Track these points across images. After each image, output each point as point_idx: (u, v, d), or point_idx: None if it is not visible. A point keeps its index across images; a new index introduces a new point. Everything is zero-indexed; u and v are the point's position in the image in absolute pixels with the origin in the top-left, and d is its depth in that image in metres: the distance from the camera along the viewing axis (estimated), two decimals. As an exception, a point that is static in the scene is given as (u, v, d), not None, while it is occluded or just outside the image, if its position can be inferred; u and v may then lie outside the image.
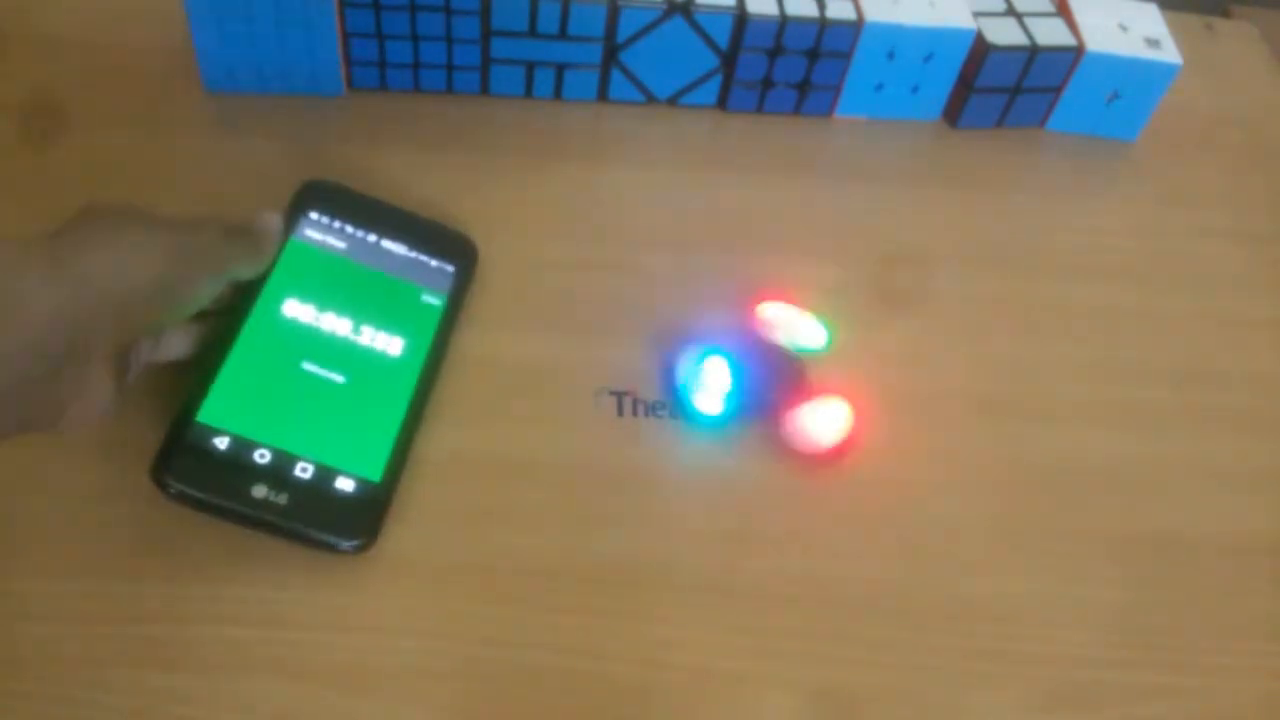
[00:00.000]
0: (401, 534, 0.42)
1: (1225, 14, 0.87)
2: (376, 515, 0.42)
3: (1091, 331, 0.55)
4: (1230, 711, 0.43)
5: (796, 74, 0.60)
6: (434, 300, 0.48)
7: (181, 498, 0.40)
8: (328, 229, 0.48)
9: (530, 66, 0.58)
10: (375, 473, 0.42)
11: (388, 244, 0.49)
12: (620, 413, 0.48)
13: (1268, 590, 0.47)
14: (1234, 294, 0.58)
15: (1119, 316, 0.56)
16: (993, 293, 0.56)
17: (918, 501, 0.47)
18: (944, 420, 0.50)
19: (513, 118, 0.59)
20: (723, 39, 0.58)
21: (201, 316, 0.42)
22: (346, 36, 0.55)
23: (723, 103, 0.61)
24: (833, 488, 0.47)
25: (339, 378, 0.44)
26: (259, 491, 0.40)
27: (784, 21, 0.57)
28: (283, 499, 0.40)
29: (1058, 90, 0.63)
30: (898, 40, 0.59)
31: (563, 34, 0.56)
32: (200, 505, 0.40)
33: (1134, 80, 0.62)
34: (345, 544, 0.41)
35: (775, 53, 0.58)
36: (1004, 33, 0.60)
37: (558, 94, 0.60)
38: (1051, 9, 0.62)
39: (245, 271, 0.44)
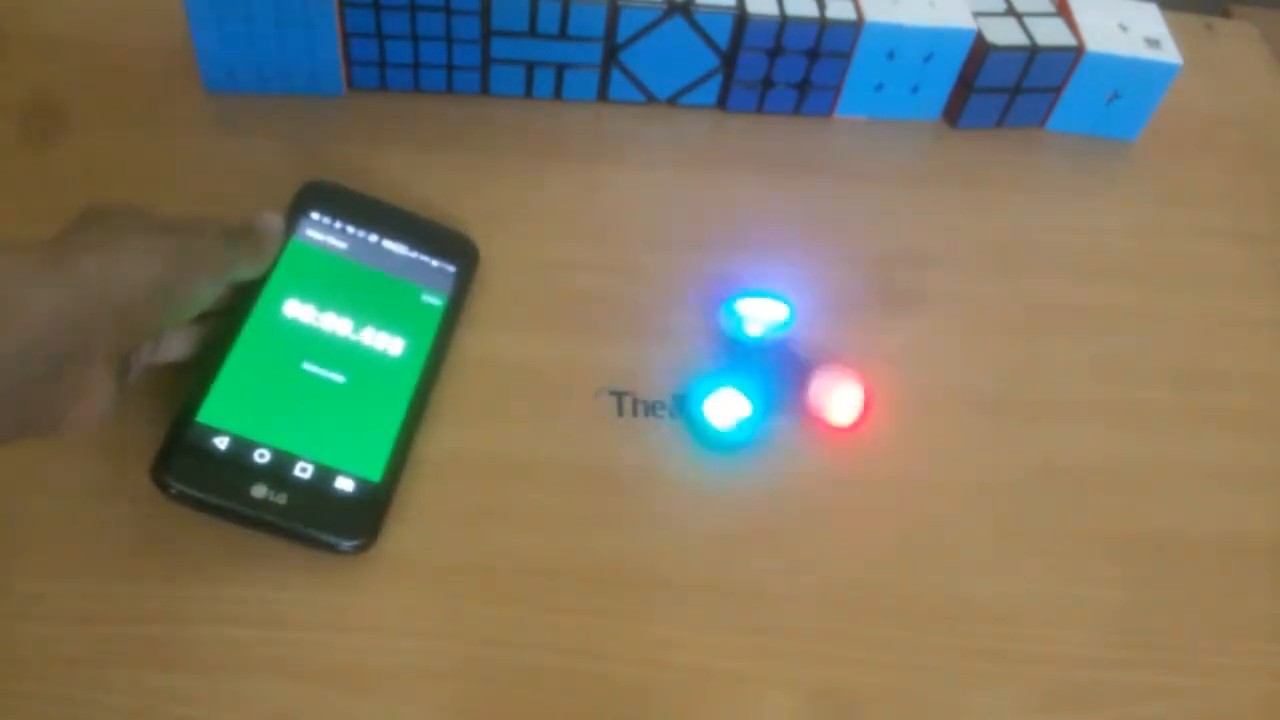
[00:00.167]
0: (401, 534, 0.42)
1: (1225, 14, 0.87)
2: (376, 515, 0.42)
3: (1091, 331, 0.55)
4: (1230, 711, 0.43)
5: (796, 74, 0.60)
6: (434, 300, 0.48)
7: (182, 498, 0.40)
8: (328, 229, 0.48)
9: (530, 66, 0.58)
10: (375, 473, 0.42)
11: (388, 244, 0.49)
12: (620, 413, 0.48)
13: (1268, 590, 0.47)
14: (1234, 294, 0.58)
15: (1119, 316, 0.56)
16: (993, 293, 0.56)
17: (918, 501, 0.47)
18: (944, 420, 0.50)
19: (513, 118, 0.59)
20: (723, 39, 0.58)
21: (202, 317, 0.42)
22: (346, 36, 0.55)
23: (723, 103, 0.61)
24: (833, 487, 0.47)
25: (339, 378, 0.44)
26: (259, 491, 0.40)
27: (784, 21, 0.57)
28: (282, 499, 0.40)
29: (1058, 90, 0.63)
30: (898, 40, 0.59)
31: (563, 34, 0.56)
32: (200, 505, 0.40)
33: (1134, 80, 0.62)
34: (345, 544, 0.41)
35: (775, 53, 0.58)
36: (1004, 33, 0.60)
37: (558, 94, 0.60)
38: (1051, 9, 0.62)
39: (246, 272, 0.44)
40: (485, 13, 0.55)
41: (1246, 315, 0.57)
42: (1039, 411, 0.51)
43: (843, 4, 0.58)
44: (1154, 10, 0.64)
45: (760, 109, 0.62)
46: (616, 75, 0.59)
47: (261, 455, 0.41)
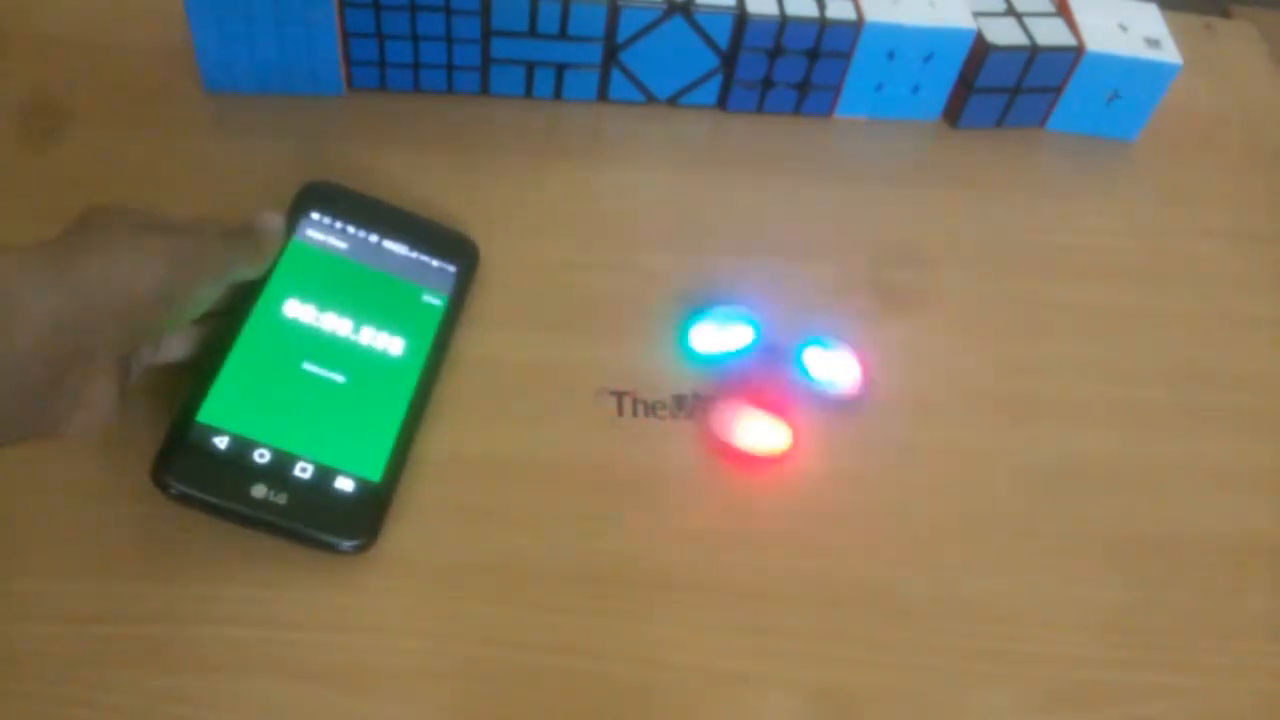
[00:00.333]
0: (401, 534, 0.42)
1: (1225, 14, 0.87)
2: (376, 515, 0.42)
3: (1091, 331, 0.55)
4: (1230, 711, 0.43)
5: (796, 74, 0.60)
6: (435, 300, 0.48)
7: (182, 498, 0.40)
8: (329, 229, 0.48)
9: (530, 66, 0.58)
10: (375, 473, 0.42)
11: (388, 244, 0.49)
12: (620, 413, 0.48)
13: (1268, 590, 0.47)
14: (1234, 294, 0.58)
15: (1119, 316, 0.56)
16: (992, 293, 0.56)
17: (918, 501, 0.47)
18: (944, 420, 0.50)
19: (513, 118, 0.59)
20: (723, 39, 0.58)
21: (202, 317, 0.42)
22: (346, 36, 0.55)
23: (723, 103, 0.61)
24: (833, 487, 0.47)
25: (339, 378, 0.44)
26: (259, 491, 0.40)
27: (784, 21, 0.57)
28: (282, 499, 0.40)
29: (1058, 90, 0.63)
30: (898, 40, 0.59)
31: (563, 34, 0.56)
32: (200, 505, 0.40)
33: (1134, 80, 0.62)
34: (345, 544, 0.41)
35: (775, 53, 0.58)
36: (1004, 33, 0.60)
37: (558, 94, 0.60)
38: (1051, 9, 0.62)
39: (246, 273, 0.44)
40: (485, 13, 0.55)
41: (1246, 315, 0.57)
42: (1039, 411, 0.51)
43: (843, 4, 0.58)
44: (1154, 10, 0.64)
45: (760, 109, 0.62)
46: (616, 75, 0.59)
47: (261, 455, 0.41)
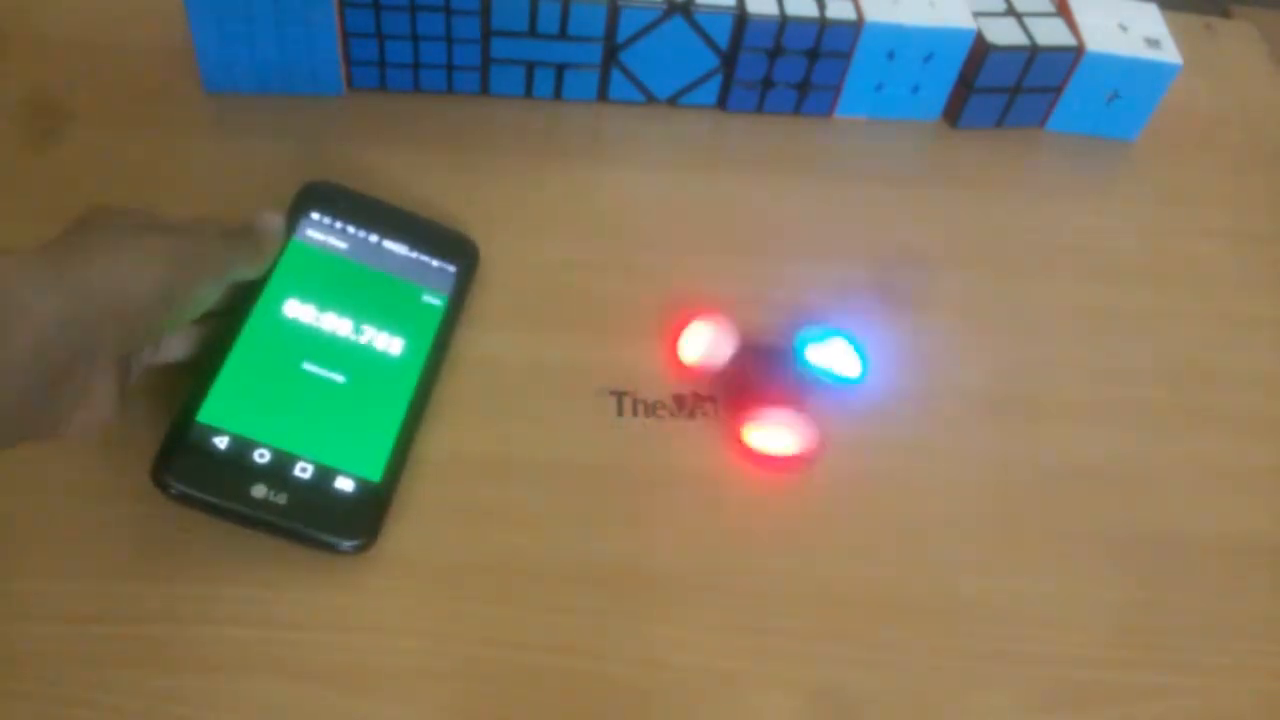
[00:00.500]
0: (401, 534, 0.42)
1: (1225, 14, 0.87)
2: (376, 515, 0.42)
3: (1091, 331, 0.55)
4: (1230, 711, 0.43)
5: (796, 74, 0.60)
6: (435, 300, 0.48)
7: (182, 498, 0.40)
8: (329, 229, 0.48)
9: (530, 66, 0.58)
10: (375, 472, 0.42)
11: (388, 244, 0.49)
12: (620, 413, 0.48)
13: (1268, 590, 0.47)
14: (1234, 294, 0.58)
15: (1119, 316, 0.56)
16: (992, 293, 0.56)
17: (918, 501, 0.47)
18: (944, 420, 0.50)
19: (513, 118, 0.59)
20: (723, 39, 0.58)
21: (202, 317, 0.42)
22: (346, 36, 0.55)
23: (723, 103, 0.61)
24: (833, 487, 0.47)
25: (339, 378, 0.44)
26: (259, 491, 0.40)
27: (784, 21, 0.57)
28: (282, 499, 0.40)
29: (1058, 90, 0.63)
30: (898, 40, 0.59)
31: (563, 34, 0.56)
32: (200, 505, 0.40)
33: (1134, 80, 0.62)
34: (345, 544, 0.41)
35: (775, 53, 0.58)
36: (1004, 33, 0.60)
37: (558, 94, 0.60)
38: (1051, 9, 0.62)
39: (246, 273, 0.44)
40: (485, 13, 0.55)
41: (1246, 315, 0.57)
42: (1039, 411, 0.51)
43: (843, 4, 0.58)
44: (1154, 10, 0.64)
45: (760, 109, 0.62)
46: (616, 75, 0.59)
47: (261, 455, 0.41)
